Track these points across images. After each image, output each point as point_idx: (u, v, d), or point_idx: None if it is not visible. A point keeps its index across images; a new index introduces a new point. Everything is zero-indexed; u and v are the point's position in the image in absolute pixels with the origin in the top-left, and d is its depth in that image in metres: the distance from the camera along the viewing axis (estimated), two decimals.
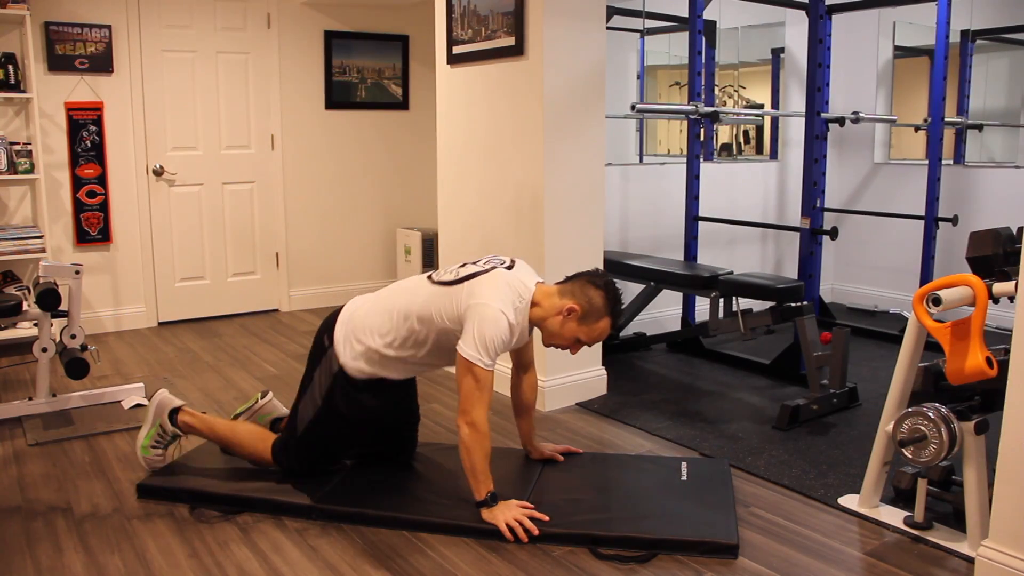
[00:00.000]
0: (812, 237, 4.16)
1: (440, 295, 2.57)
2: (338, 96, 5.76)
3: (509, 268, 2.61)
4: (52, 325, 3.56)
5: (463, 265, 2.66)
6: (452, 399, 3.83)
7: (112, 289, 5.14)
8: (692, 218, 4.76)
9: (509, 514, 2.48)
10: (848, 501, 2.72)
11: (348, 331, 2.68)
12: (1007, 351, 2.20)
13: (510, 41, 3.58)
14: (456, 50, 3.95)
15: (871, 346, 4.75)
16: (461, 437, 2.48)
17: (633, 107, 4.16)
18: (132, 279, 5.19)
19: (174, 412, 2.89)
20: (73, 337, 3.59)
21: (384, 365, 2.66)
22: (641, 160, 5.19)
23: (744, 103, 5.58)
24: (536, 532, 2.45)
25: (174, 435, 2.90)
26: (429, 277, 2.68)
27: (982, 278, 2.34)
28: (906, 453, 2.44)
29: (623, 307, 2.63)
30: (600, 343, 3.82)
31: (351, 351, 2.66)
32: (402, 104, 6.01)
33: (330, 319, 2.77)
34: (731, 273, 4.01)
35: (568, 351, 2.64)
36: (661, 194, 4.98)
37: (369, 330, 2.65)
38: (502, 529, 2.45)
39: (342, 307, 2.81)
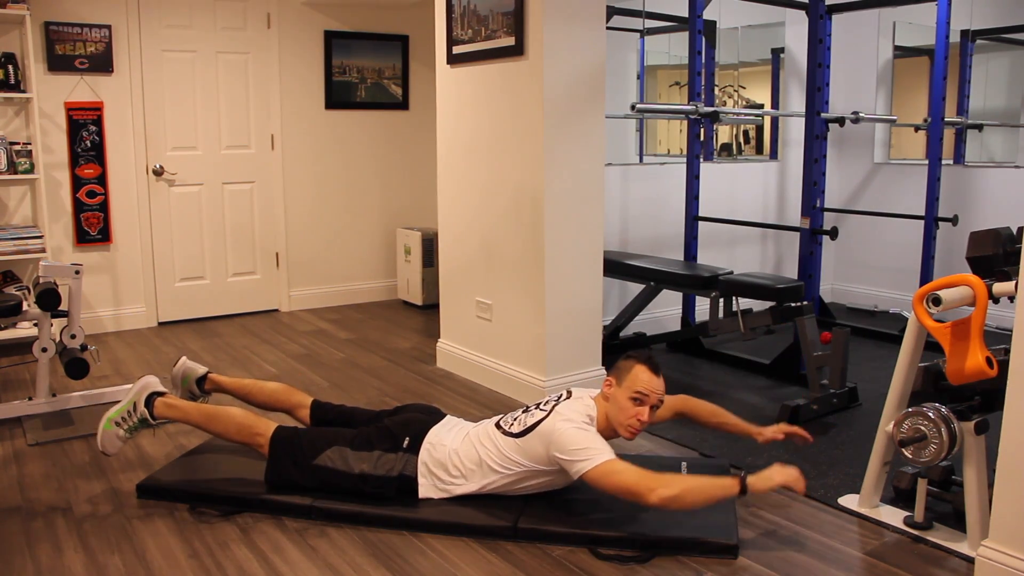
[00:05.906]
0: (812, 237, 4.16)
1: (517, 447, 2.55)
2: (338, 96, 5.76)
3: (567, 397, 2.62)
4: (52, 325, 3.56)
5: (527, 411, 2.64)
6: (452, 399, 3.83)
7: (112, 289, 5.14)
8: (692, 218, 4.76)
9: (779, 475, 2.36)
10: (848, 501, 2.72)
11: (435, 463, 2.63)
12: (1007, 351, 2.20)
13: (510, 41, 3.58)
14: (456, 50, 3.95)
15: (871, 346, 4.75)
16: (670, 506, 2.30)
17: (633, 107, 4.16)
18: (132, 279, 5.19)
19: (153, 396, 2.82)
20: (73, 337, 3.59)
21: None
22: (641, 160, 5.19)
23: (744, 103, 5.58)
24: (803, 486, 2.39)
25: (142, 418, 2.80)
26: (498, 425, 2.64)
27: (982, 278, 2.34)
28: (906, 453, 2.44)
29: (639, 352, 2.64)
30: (600, 350, 3.86)
31: (434, 482, 2.63)
32: (402, 104, 6.01)
33: (416, 423, 2.71)
34: (731, 273, 4.01)
35: (646, 420, 2.54)
36: (661, 194, 4.98)
37: (456, 470, 2.62)
38: (785, 484, 2.35)
39: (417, 405, 2.90)
